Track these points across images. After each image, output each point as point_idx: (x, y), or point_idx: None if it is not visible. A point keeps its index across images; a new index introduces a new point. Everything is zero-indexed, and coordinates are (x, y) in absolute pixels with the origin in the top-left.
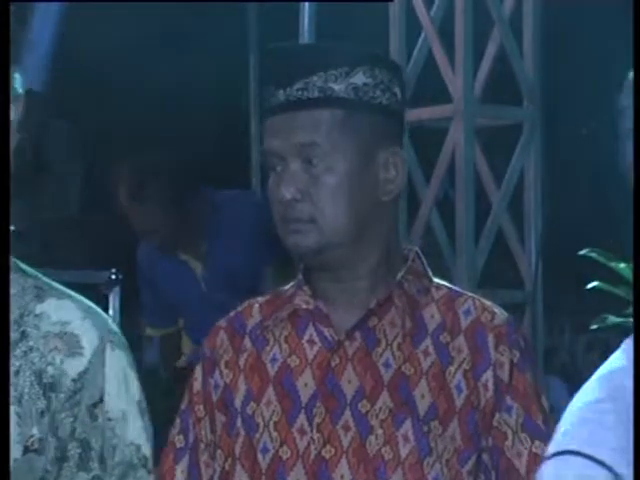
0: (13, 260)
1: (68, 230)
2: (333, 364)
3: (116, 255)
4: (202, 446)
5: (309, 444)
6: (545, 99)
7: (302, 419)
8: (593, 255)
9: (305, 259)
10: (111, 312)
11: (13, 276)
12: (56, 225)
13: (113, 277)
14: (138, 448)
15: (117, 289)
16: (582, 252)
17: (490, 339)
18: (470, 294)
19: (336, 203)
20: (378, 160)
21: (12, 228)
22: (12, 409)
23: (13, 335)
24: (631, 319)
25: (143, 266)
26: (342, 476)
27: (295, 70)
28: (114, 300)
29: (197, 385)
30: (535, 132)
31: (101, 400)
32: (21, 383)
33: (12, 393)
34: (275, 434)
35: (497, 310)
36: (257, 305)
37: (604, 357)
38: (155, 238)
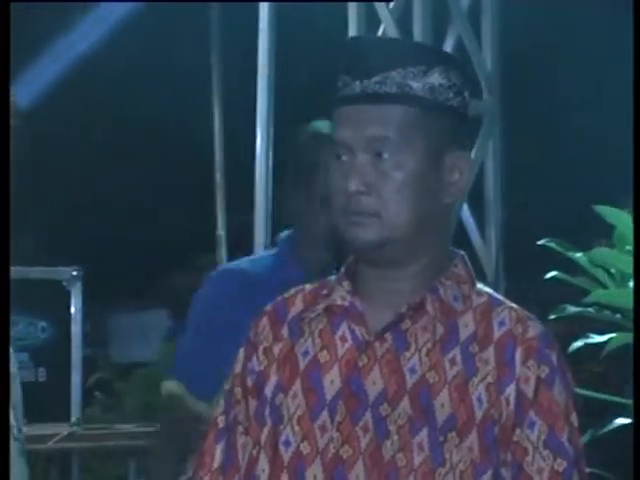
0: None
1: (33, 230)
2: (360, 364)
3: (78, 253)
4: (240, 429)
5: (329, 442)
6: (504, 91)
7: (325, 416)
8: (552, 245)
9: (361, 253)
10: (73, 308)
11: None
12: (22, 225)
13: (75, 274)
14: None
15: (79, 285)
16: (541, 242)
17: (519, 353)
18: (510, 304)
19: (401, 200)
20: (445, 162)
21: None
22: None
23: None
24: (590, 309)
25: (217, 304)
26: (357, 477)
27: (374, 63)
28: (76, 295)
29: (238, 367)
30: (494, 124)
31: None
32: None
33: None
34: (297, 428)
35: (532, 323)
36: (302, 294)
37: (565, 346)
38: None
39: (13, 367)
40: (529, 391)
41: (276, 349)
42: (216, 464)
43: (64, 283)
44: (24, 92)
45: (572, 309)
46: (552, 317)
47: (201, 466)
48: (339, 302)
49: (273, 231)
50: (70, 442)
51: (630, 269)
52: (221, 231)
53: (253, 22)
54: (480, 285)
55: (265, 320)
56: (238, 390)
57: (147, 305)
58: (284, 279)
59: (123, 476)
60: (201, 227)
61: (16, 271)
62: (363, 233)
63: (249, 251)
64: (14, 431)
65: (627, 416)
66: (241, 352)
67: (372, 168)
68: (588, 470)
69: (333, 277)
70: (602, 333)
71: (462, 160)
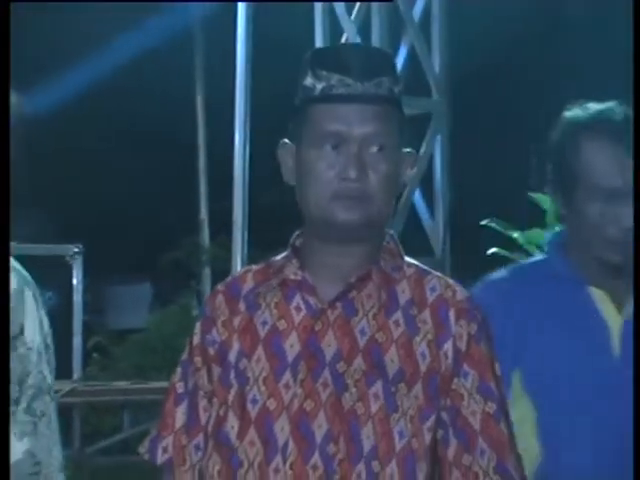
0: None
1: (41, 212)
2: (316, 329)
3: (79, 233)
4: (201, 393)
5: (293, 398)
6: (452, 91)
7: (287, 376)
8: (492, 225)
9: (342, 231)
10: (74, 281)
11: None
12: (32, 208)
13: (76, 250)
14: (44, 377)
15: (80, 260)
16: (483, 222)
17: (452, 313)
18: (436, 273)
19: (383, 188)
20: (405, 157)
21: None
22: None
23: None
24: None
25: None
26: (320, 426)
27: (372, 68)
28: (77, 269)
29: (196, 339)
30: (442, 120)
31: (21, 332)
32: None
33: None
34: (263, 388)
35: (458, 288)
36: (251, 273)
37: None
38: None
39: (48, 339)
40: (462, 346)
41: (235, 321)
42: (178, 424)
43: (67, 258)
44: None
45: None
46: None
47: (163, 428)
48: (292, 277)
49: (250, 217)
50: (72, 397)
51: None
52: (204, 216)
53: (232, 29)
54: (407, 258)
55: (220, 297)
56: (198, 359)
57: (139, 278)
58: (555, 285)
59: (118, 427)
60: (186, 212)
61: (25, 248)
62: (351, 215)
63: (229, 234)
64: (51, 392)
65: None
66: (198, 326)
67: (364, 159)
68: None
69: (277, 257)
70: None
71: (413, 156)
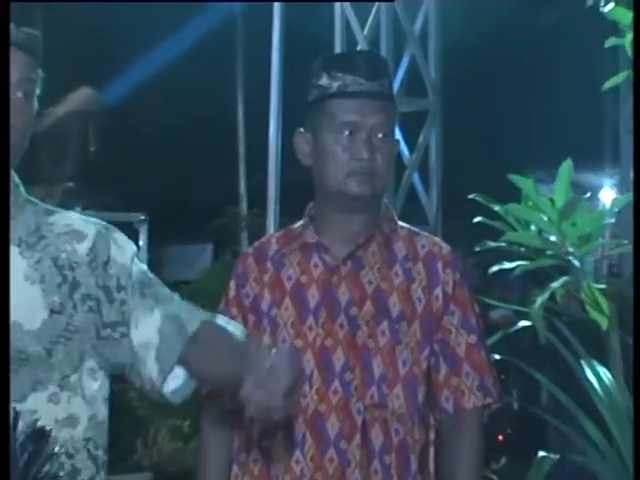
0: (25, 196)
1: (113, 185)
2: (332, 281)
3: (145, 202)
4: None
5: (316, 337)
6: (444, 93)
7: (311, 320)
8: (478, 199)
9: (355, 202)
10: (141, 242)
11: (27, 206)
12: (105, 182)
13: (142, 218)
14: (145, 272)
15: (145, 226)
16: (470, 196)
17: (439, 265)
18: (425, 233)
19: (386, 167)
20: (395, 143)
21: (70, 184)
22: (36, 288)
23: (31, 238)
24: (503, 244)
25: None
26: (339, 359)
27: (377, 70)
28: (143, 233)
29: (231, 293)
30: (436, 116)
31: (109, 259)
32: (41, 267)
33: (36, 276)
34: (292, 330)
35: (443, 244)
36: (274, 238)
37: (484, 275)
38: None
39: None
40: (449, 290)
41: (265, 277)
42: None
43: (134, 225)
44: (116, 89)
45: (491, 244)
46: (477, 249)
47: None
48: (310, 240)
49: (281, 191)
50: None
51: (532, 218)
52: (242, 191)
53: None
54: (400, 222)
55: (250, 259)
56: (233, 309)
57: (191, 240)
58: None
59: None
60: (229, 187)
61: (102, 215)
62: (364, 189)
63: (263, 205)
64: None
65: (527, 319)
66: (232, 284)
67: (373, 143)
68: (499, 357)
69: (294, 225)
70: (511, 262)
71: (398, 142)
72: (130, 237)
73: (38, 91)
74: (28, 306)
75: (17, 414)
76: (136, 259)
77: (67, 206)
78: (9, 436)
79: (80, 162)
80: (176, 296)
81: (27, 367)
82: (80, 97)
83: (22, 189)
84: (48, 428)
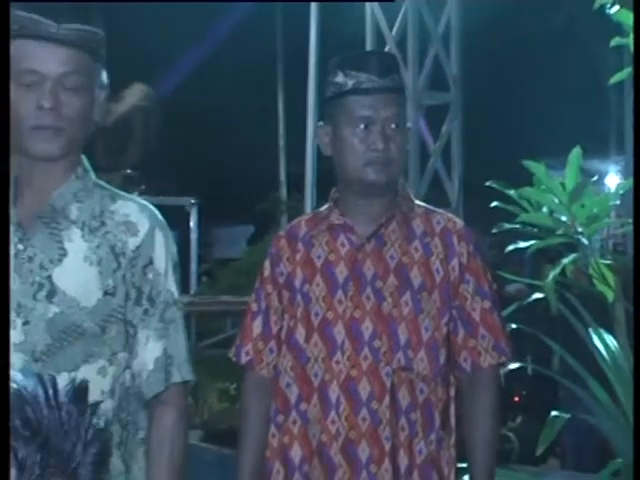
0: (95, 181)
1: (167, 173)
2: (358, 258)
3: (195, 187)
4: (271, 310)
5: (345, 309)
6: (465, 87)
7: (340, 294)
8: (495, 185)
9: (373, 187)
10: (192, 224)
11: (95, 190)
12: (159, 170)
13: (192, 202)
14: (172, 293)
15: (195, 209)
16: (488, 183)
17: (455, 238)
18: (440, 210)
19: (400, 154)
20: (408, 131)
21: (128, 171)
22: (94, 269)
23: (94, 222)
24: (518, 226)
25: None
26: (367, 328)
27: (387, 67)
28: (193, 215)
29: (266, 272)
30: (458, 109)
31: (151, 262)
32: (100, 252)
33: (94, 258)
34: (323, 304)
35: (457, 220)
36: (303, 221)
37: (501, 253)
38: None
39: (175, 264)
40: (464, 261)
41: (297, 257)
42: (255, 334)
43: (186, 207)
44: (165, 82)
45: (507, 226)
46: (494, 231)
47: (244, 337)
48: (336, 222)
49: (317, 178)
50: (189, 307)
51: (544, 200)
52: (282, 178)
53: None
54: (417, 201)
55: (283, 240)
56: (269, 287)
57: (238, 222)
58: None
59: (222, 329)
60: (271, 175)
61: (157, 200)
62: (382, 175)
63: (301, 190)
64: (178, 304)
65: (540, 292)
66: (267, 263)
67: (387, 134)
68: (515, 326)
69: (321, 209)
70: (525, 241)
71: (409, 130)
72: (182, 219)
73: (102, 82)
74: (85, 286)
75: (73, 382)
76: (170, 273)
77: (126, 192)
78: (9, 435)
79: (141, 153)
80: (180, 323)
81: (81, 341)
82: (139, 94)
83: (92, 175)
84: (85, 381)
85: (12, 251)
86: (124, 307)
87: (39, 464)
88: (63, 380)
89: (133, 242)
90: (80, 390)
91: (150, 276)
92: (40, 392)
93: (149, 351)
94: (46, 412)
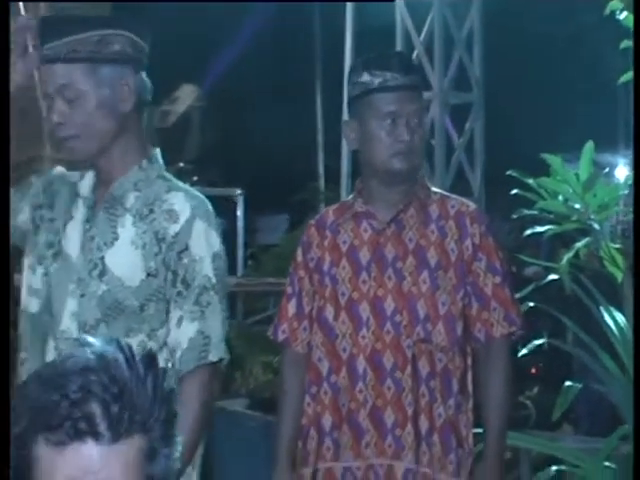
0: (160, 173)
1: (215, 165)
2: (380, 242)
3: (241, 179)
4: (304, 292)
5: (369, 289)
6: (487, 88)
7: (364, 275)
8: (515, 174)
9: (397, 176)
10: (239, 212)
11: (157, 181)
12: (208, 163)
13: (239, 192)
14: (210, 279)
15: (242, 199)
16: (508, 172)
17: (468, 220)
18: (454, 196)
19: (422, 145)
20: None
21: (181, 164)
22: (138, 252)
23: (144, 210)
24: (536, 212)
25: None
26: (389, 305)
27: (408, 67)
28: (240, 204)
29: (299, 258)
30: (480, 107)
31: (186, 248)
32: (145, 237)
33: (139, 242)
34: (349, 285)
35: (470, 203)
36: (331, 210)
37: (519, 237)
38: None
39: (216, 252)
40: (477, 241)
41: (325, 243)
42: (290, 314)
43: (233, 198)
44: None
45: (525, 212)
46: (514, 217)
47: (280, 317)
48: (359, 209)
49: (352, 170)
50: (236, 288)
51: (559, 190)
52: (321, 170)
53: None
54: (433, 188)
55: (313, 229)
56: (301, 271)
57: (280, 211)
58: None
59: (265, 307)
60: (310, 167)
61: (208, 190)
62: (406, 164)
63: (337, 182)
64: (216, 288)
65: (555, 273)
66: (299, 250)
67: (411, 128)
68: (533, 304)
69: (347, 198)
70: (542, 226)
71: (428, 124)
72: (229, 208)
73: (104, 80)
74: (131, 267)
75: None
76: (208, 260)
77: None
78: (9, 435)
79: (197, 149)
80: (217, 307)
81: (123, 316)
82: (192, 95)
83: (159, 167)
84: (152, 349)
85: (81, 229)
86: (164, 288)
87: (127, 419)
88: None
89: (173, 229)
90: (150, 356)
91: (185, 261)
92: (120, 356)
93: (182, 331)
94: (127, 374)
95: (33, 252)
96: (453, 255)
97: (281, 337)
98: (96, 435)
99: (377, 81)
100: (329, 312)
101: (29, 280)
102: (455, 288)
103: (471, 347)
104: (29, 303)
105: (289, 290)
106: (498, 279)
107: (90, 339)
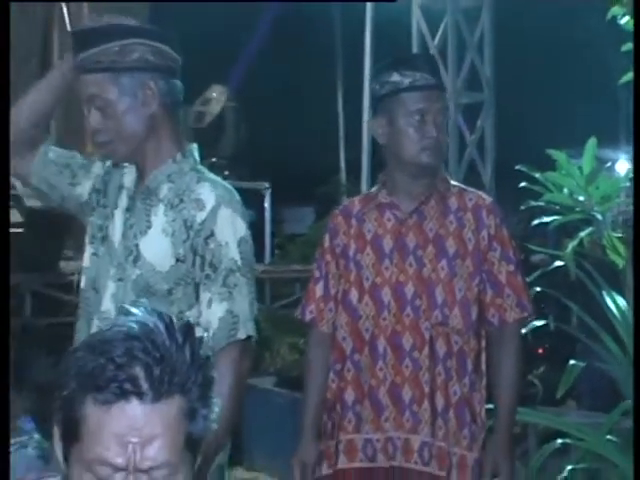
0: (194, 166)
1: (245, 163)
2: (402, 231)
3: (269, 172)
4: (330, 276)
5: (391, 274)
6: (497, 88)
7: (387, 262)
8: (523, 169)
9: (427, 169)
10: (266, 205)
11: (190, 174)
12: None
13: (266, 186)
14: (236, 262)
15: (269, 192)
16: (517, 167)
17: (484, 212)
18: (471, 189)
19: (446, 142)
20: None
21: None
22: (168, 240)
23: (175, 200)
24: (542, 203)
25: None
26: (410, 290)
27: (435, 68)
28: (267, 197)
29: (326, 244)
30: (490, 106)
31: (212, 234)
32: (174, 225)
33: (169, 230)
34: (372, 270)
35: (486, 196)
36: (356, 200)
37: (527, 227)
38: None
39: (242, 238)
40: (492, 232)
41: (351, 231)
42: (317, 296)
43: (261, 191)
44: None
45: (533, 203)
46: (522, 208)
47: (308, 299)
48: (383, 200)
49: (372, 164)
50: (264, 274)
51: (564, 183)
52: (342, 164)
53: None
54: (452, 181)
55: (339, 217)
56: (328, 256)
57: (305, 203)
58: None
59: (292, 292)
60: (332, 161)
61: (237, 184)
62: (433, 160)
63: (358, 175)
64: (242, 270)
65: (561, 261)
66: (326, 236)
67: (437, 124)
68: (539, 289)
69: (372, 190)
70: (548, 217)
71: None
72: (256, 201)
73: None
74: (161, 253)
75: (188, 323)
76: (234, 244)
77: None
78: (9, 435)
79: (231, 147)
80: (244, 288)
81: (153, 299)
82: (223, 95)
83: (193, 160)
84: (189, 320)
85: (122, 217)
86: (192, 272)
87: (167, 381)
88: None
89: (200, 216)
90: (188, 325)
91: (212, 246)
92: (161, 325)
93: (212, 312)
94: (167, 341)
95: (87, 230)
96: (470, 244)
97: (308, 317)
98: (139, 395)
99: (407, 81)
100: (353, 295)
101: (84, 255)
102: (471, 275)
103: (485, 330)
104: (80, 278)
105: (316, 274)
106: (511, 267)
107: (133, 309)
